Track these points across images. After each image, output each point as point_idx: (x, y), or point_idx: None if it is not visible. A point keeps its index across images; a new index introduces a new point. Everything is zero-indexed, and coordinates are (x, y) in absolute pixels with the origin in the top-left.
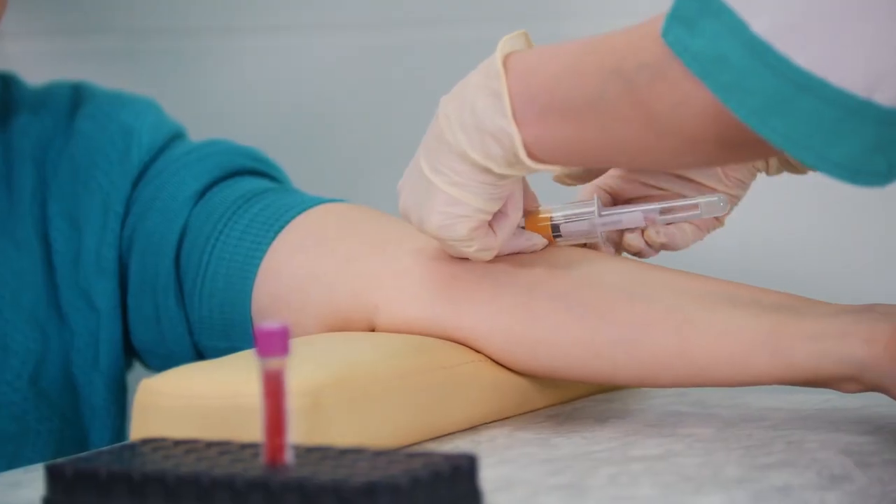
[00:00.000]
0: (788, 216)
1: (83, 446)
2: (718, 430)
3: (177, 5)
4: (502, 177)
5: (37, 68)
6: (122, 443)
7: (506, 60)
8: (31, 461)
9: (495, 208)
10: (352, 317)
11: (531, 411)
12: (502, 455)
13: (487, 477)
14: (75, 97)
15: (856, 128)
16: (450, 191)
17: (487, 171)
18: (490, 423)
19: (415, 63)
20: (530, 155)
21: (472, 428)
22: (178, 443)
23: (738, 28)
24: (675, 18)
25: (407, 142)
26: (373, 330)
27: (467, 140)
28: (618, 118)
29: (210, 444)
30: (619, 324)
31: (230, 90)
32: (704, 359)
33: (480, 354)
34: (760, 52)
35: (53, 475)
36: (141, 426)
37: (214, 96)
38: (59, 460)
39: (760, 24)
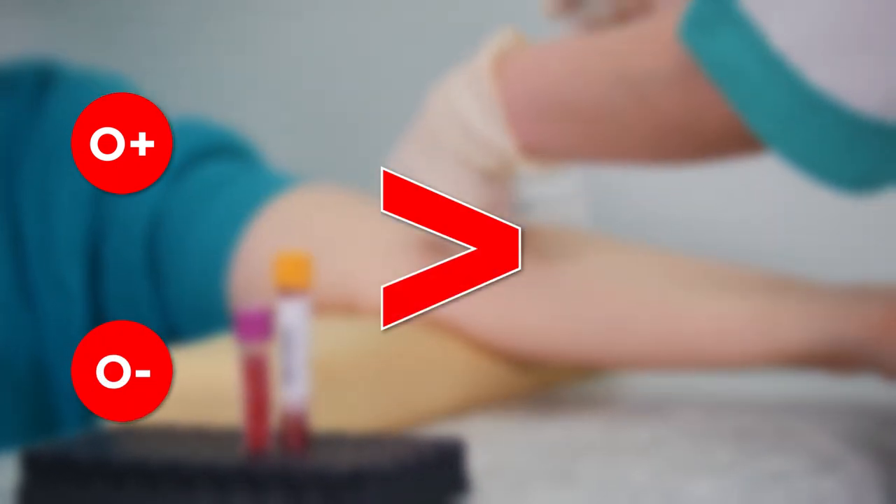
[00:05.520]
0: (777, 197)
1: (53, 432)
2: (707, 414)
3: None
4: (496, 176)
5: (2, 45)
6: (100, 428)
7: (498, 61)
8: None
9: (485, 205)
10: (331, 300)
11: (516, 397)
12: (489, 441)
13: (474, 463)
14: (43, 76)
15: (868, 145)
16: (442, 188)
17: (481, 171)
18: (474, 408)
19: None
20: (524, 156)
21: (456, 414)
22: (155, 429)
23: (755, 39)
24: (693, 22)
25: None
26: (353, 313)
27: (459, 142)
28: (623, 122)
29: (189, 431)
30: (606, 307)
31: (217, 71)
32: (693, 342)
33: (464, 339)
34: (777, 66)
35: (30, 461)
36: None
37: (194, 76)
38: (36, 446)
39: (781, 37)
